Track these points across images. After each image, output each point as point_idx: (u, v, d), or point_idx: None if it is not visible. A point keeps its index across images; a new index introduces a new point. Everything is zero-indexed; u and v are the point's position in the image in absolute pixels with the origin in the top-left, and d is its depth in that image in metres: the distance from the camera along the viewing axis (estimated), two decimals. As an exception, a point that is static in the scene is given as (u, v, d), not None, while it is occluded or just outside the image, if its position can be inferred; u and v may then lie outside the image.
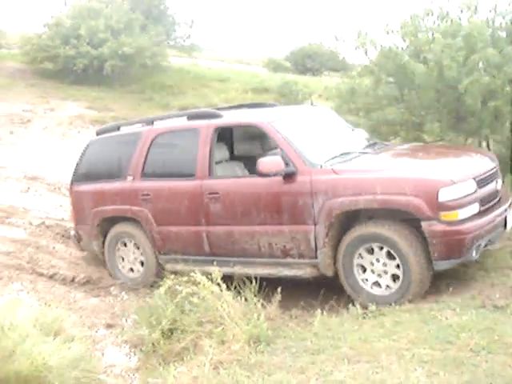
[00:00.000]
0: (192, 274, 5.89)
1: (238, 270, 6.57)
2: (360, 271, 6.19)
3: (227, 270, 6.54)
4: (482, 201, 6.02)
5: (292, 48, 36.22)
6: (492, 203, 6.22)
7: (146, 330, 5.81)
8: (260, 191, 6.63)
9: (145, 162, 7.55)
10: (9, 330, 4.60)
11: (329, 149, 6.81)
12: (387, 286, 6.08)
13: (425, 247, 5.82)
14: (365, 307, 5.81)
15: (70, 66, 24.33)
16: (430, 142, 9.40)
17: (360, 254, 6.12)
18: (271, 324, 5.75)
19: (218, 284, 5.86)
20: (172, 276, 6.20)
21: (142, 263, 7.73)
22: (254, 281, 6.06)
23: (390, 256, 5.99)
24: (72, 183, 8.39)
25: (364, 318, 5.67)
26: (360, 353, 4.94)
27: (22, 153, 13.58)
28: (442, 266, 5.83)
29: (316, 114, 7.94)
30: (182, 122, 7.55)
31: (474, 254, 5.81)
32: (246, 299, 5.96)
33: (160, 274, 7.13)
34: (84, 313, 6.73)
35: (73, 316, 6.40)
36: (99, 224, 7.96)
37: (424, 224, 5.73)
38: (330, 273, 6.35)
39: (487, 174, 6.26)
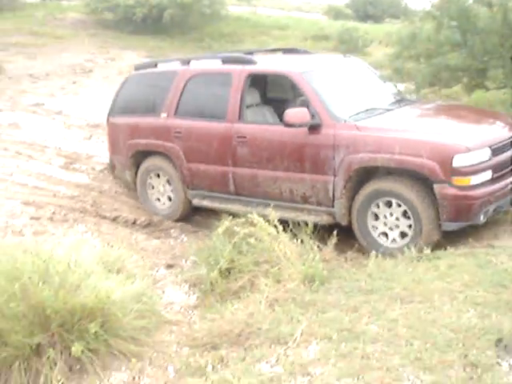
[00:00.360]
0: (249, 215, 6.05)
1: (259, 210, 6.50)
2: (372, 220, 6.47)
3: (251, 209, 6.61)
4: (496, 168, 6.14)
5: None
6: (505, 171, 6.33)
7: (205, 270, 5.99)
8: (285, 140, 6.87)
9: (179, 101, 7.83)
10: (75, 266, 4.80)
11: (355, 103, 7.01)
12: (393, 240, 6.38)
13: (435, 207, 6.03)
14: (420, 251, 5.84)
15: (130, 15, 24.48)
16: (491, 89, 9.18)
17: (377, 204, 6.38)
18: (326, 265, 5.86)
19: (275, 226, 5.99)
20: (230, 217, 6.37)
21: (170, 198, 8.14)
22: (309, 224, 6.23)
23: (404, 214, 6.23)
24: (109, 115, 8.80)
25: (418, 261, 5.71)
26: (413, 293, 5.00)
27: (85, 101, 13.89)
28: (449, 227, 6.06)
29: (348, 66, 8.05)
30: (217, 65, 7.73)
31: (482, 219, 6.01)
32: (302, 241, 6.09)
33: (186, 207, 7.90)
34: (145, 253, 6.93)
35: (134, 256, 6.55)
36: (133, 155, 8.38)
37: (436, 186, 5.95)
38: (344, 222, 6.67)
39: (504, 142, 6.33)
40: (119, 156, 8.67)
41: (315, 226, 6.31)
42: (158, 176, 8.23)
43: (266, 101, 7.99)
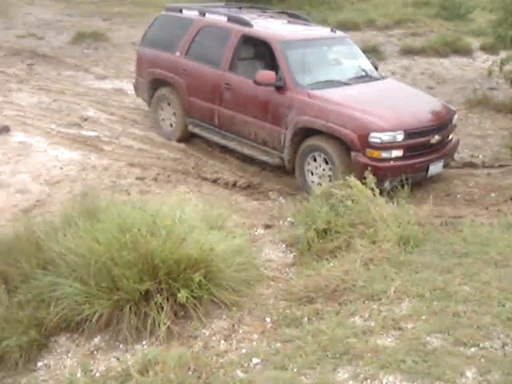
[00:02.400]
0: (347, 178, 6.22)
1: (232, 144, 8.75)
2: (308, 169, 7.80)
3: (226, 142, 8.86)
4: (408, 149, 7.37)
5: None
6: (419, 152, 7.51)
7: (302, 230, 6.15)
8: (257, 93, 8.25)
9: (190, 44, 9.34)
10: (179, 221, 5.10)
11: (319, 74, 8.35)
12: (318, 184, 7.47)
13: (350, 169, 7.12)
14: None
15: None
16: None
17: (312, 156, 7.71)
18: (421, 228, 5.93)
19: (372, 189, 6.10)
20: (327, 180, 6.53)
21: (173, 123, 9.74)
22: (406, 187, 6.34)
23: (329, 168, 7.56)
24: (139, 45, 10.56)
25: (515, 227, 5.71)
26: (507, 258, 5.04)
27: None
28: None
29: (330, 40, 9.20)
30: (223, 21, 9.12)
31: (387, 186, 7.08)
32: (397, 204, 6.17)
33: (184, 131, 9.50)
34: (244, 214, 7.17)
35: (234, 216, 6.82)
36: (150, 81, 10.01)
37: (353, 153, 7.26)
38: (289, 166, 8.06)
39: (423, 129, 7.52)
40: (141, 79, 10.28)
41: (411, 189, 6.43)
42: (167, 103, 9.79)
43: (256, 57, 9.27)
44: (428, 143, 7.58)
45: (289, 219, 6.94)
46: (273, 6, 23.86)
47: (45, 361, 4.53)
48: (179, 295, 4.51)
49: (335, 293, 4.85)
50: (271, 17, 10.01)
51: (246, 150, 8.57)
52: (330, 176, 7.48)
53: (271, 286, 5.36)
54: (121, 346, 4.52)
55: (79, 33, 18.10)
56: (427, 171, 7.64)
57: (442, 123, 7.85)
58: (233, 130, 8.74)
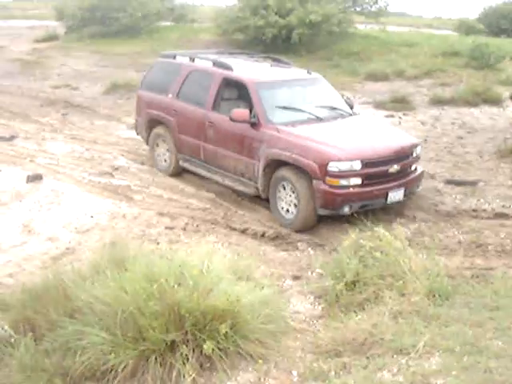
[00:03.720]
0: (376, 229, 6.20)
1: (216, 177, 9.56)
2: (279, 198, 8.50)
3: (210, 175, 9.66)
4: (367, 177, 7.99)
5: (485, 8, 34.14)
6: (378, 180, 8.11)
7: (331, 282, 6.10)
8: (234, 129, 9.03)
9: (180, 87, 10.22)
10: (207, 272, 5.10)
11: (291, 112, 8.97)
12: (287, 212, 8.38)
13: (313, 196, 7.97)
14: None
15: (260, 35, 25.14)
16: None
17: (282, 186, 8.40)
18: (451, 280, 5.86)
19: (401, 240, 6.05)
20: (356, 231, 6.50)
21: (166, 159, 10.60)
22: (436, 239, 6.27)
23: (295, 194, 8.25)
24: (139, 89, 11.46)
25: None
26: (541, 312, 4.91)
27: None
28: (321, 212, 8.07)
29: (305, 81, 9.98)
30: (209, 66, 9.98)
31: (347, 210, 7.97)
32: (427, 256, 6.10)
33: (176, 166, 10.34)
34: (272, 264, 7.14)
35: (262, 267, 6.81)
36: (147, 121, 10.91)
37: (314, 182, 7.93)
38: (264, 195, 8.76)
39: (379, 159, 8.12)
40: (140, 119, 11.21)
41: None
42: (162, 141, 10.65)
43: (236, 97, 9.99)
44: (386, 172, 8.19)
45: (317, 270, 6.88)
46: (302, 57, 24.25)
47: (70, 410, 4.51)
48: (205, 346, 4.49)
49: (363, 346, 4.79)
50: (256, 61, 10.95)
51: (227, 182, 9.35)
52: (295, 204, 8.22)
53: (298, 339, 5.30)
54: (146, 397, 4.48)
55: (112, 83, 18.54)
56: (386, 198, 8.23)
57: (402, 154, 8.45)
58: (216, 164, 9.58)
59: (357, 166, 7.90)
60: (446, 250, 7.29)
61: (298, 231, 8.16)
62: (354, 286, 5.94)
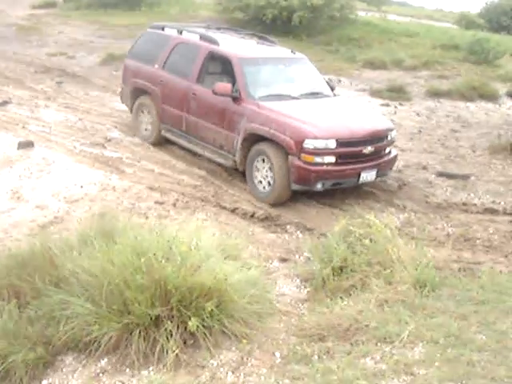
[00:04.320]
0: (366, 216, 6.20)
1: (196, 148, 9.85)
2: (255, 170, 8.74)
3: (191, 146, 9.95)
4: (340, 156, 8.25)
5: (487, 3, 34.05)
6: (352, 160, 8.40)
7: (318, 266, 6.11)
8: (216, 102, 9.29)
9: (167, 58, 10.44)
10: (195, 249, 5.07)
11: (272, 89, 9.33)
12: (263, 187, 8.62)
13: (288, 170, 8.22)
14: None
15: (260, 16, 24.94)
16: None
17: (258, 160, 8.64)
18: (439, 272, 5.85)
19: (391, 229, 6.04)
20: (346, 217, 6.50)
21: (149, 128, 10.82)
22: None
23: (270, 170, 8.48)
24: (126, 57, 11.64)
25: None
26: (527, 308, 4.93)
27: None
28: (295, 187, 8.32)
29: (289, 60, 10.25)
30: (196, 39, 10.21)
31: (319, 187, 8.24)
32: (416, 245, 6.10)
33: (158, 136, 10.57)
34: (260, 246, 7.12)
35: (250, 247, 6.79)
36: (132, 90, 11.16)
37: (290, 157, 8.19)
38: (241, 168, 9.04)
39: (354, 139, 8.38)
40: (126, 87, 11.45)
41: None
42: (146, 110, 10.85)
43: (220, 71, 10.23)
44: (360, 153, 8.45)
45: (305, 254, 6.88)
46: (301, 41, 24.13)
47: (50, 379, 4.51)
48: (190, 323, 4.48)
49: (347, 332, 4.79)
50: (242, 38, 11.19)
51: (207, 153, 9.65)
52: (271, 177, 8.46)
53: (283, 321, 5.30)
54: (127, 370, 4.47)
55: (109, 54, 18.40)
56: (359, 178, 8.50)
57: (376, 137, 8.68)
58: (197, 135, 9.83)
59: (332, 144, 8.15)
60: (434, 242, 7.30)
61: (272, 205, 8.42)
62: (342, 271, 5.94)
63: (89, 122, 11.74)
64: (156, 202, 8.12)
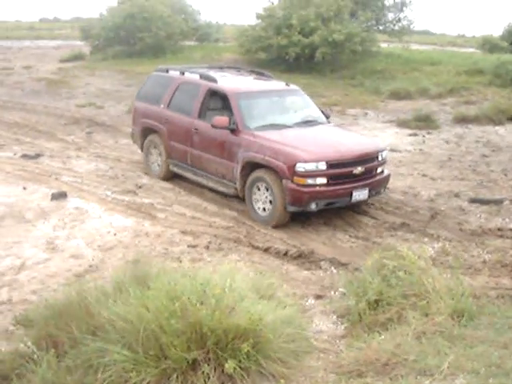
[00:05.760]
0: (399, 248, 6.16)
1: (201, 180, 10.42)
2: (254, 196, 9.26)
3: (196, 178, 10.54)
4: (332, 177, 8.75)
5: (509, 25, 33.95)
6: (343, 180, 8.85)
7: (353, 301, 6.06)
8: (216, 135, 9.94)
9: (171, 98, 11.14)
10: (229, 290, 5.08)
11: (266, 119, 9.89)
12: (263, 210, 9.15)
13: (284, 194, 8.73)
14: None
15: (282, 55, 25.26)
16: None
17: (257, 186, 9.18)
18: (476, 301, 5.78)
19: (425, 259, 5.99)
20: (379, 250, 6.47)
21: (159, 165, 11.47)
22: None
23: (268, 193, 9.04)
24: (135, 99, 12.40)
25: None
26: None
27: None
28: (290, 209, 8.79)
29: (283, 92, 10.85)
30: (196, 79, 10.95)
31: (313, 207, 8.76)
32: (451, 275, 6.04)
33: (167, 171, 11.20)
34: (295, 283, 7.11)
35: (284, 286, 6.78)
36: (142, 130, 11.83)
37: (283, 181, 8.73)
38: (241, 195, 9.55)
39: (344, 161, 8.88)
40: (136, 128, 12.08)
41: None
42: (154, 147, 11.52)
43: (219, 106, 10.76)
44: (351, 173, 8.91)
45: (340, 289, 6.84)
46: (325, 76, 24.29)
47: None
48: (227, 365, 4.46)
49: (386, 367, 4.72)
50: (241, 74, 11.96)
51: (211, 184, 10.24)
52: (270, 201, 8.98)
53: (321, 358, 5.26)
54: (167, 415, 4.47)
55: (137, 102, 18.64)
56: (351, 197, 8.93)
57: (366, 157, 9.16)
58: (201, 167, 10.42)
59: (322, 166, 8.67)
60: (470, 270, 7.22)
61: (274, 227, 8.92)
62: (377, 305, 5.88)
63: (119, 169, 11.93)
64: (189, 246, 8.18)
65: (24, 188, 10.39)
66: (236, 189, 9.62)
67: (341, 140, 9.67)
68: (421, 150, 14.16)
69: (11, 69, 28.01)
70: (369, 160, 9.20)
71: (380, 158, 9.42)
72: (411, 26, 31.64)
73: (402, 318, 5.54)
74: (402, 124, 17.05)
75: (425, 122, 16.95)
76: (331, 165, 8.72)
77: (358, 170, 8.93)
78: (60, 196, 9.90)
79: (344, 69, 25.79)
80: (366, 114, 19.01)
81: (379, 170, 9.46)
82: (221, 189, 10.01)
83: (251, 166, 9.34)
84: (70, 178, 11.16)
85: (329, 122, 10.65)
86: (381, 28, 31.55)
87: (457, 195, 10.44)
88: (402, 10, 31.16)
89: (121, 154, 13.36)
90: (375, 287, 5.95)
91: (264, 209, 9.14)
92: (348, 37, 24.98)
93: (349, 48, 25.58)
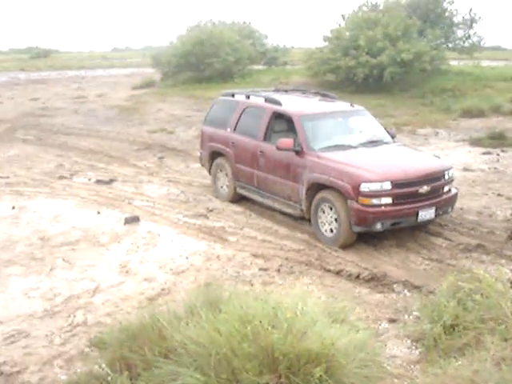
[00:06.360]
0: (475, 270, 6.00)
1: (267, 201, 10.56)
2: (320, 217, 9.30)
3: (263, 200, 10.69)
4: (397, 196, 8.66)
5: None
6: (408, 200, 8.76)
7: (428, 325, 5.92)
8: (281, 157, 10.03)
9: (237, 122, 11.33)
10: (301, 314, 5.05)
11: (331, 140, 9.92)
12: (330, 231, 9.14)
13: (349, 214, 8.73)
14: None
15: (351, 76, 25.23)
16: None
17: (322, 207, 9.22)
18: (559, 325, 5.52)
19: (503, 282, 5.80)
20: (454, 273, 6.30)
21: (226, 187, 11.67)
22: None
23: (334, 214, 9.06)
24: (203, 124, 12.61)
25: None
26: None
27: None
28: (356, 229, 8.78)
29: (347, 112, 10.80)
30: (261, 102, 11.07)
31: (379, 227, 8.68)
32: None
33: (234, 193, 11.41)
34: (368, 307, 7.00)
35: (357, 309, 6.69)
36: (209, 153, 12.10)
37: (349, 201, 8.72)
38: (307, 216, 9.62)
39: (409, 180, 8.77)
40: (204, 152, 12.39)
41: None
42: (222, 171, 11.78)
43: (284, 128, 10.83)
44: (417, 193, 8.81)
45: (414, 313, 6.70)
46: (394, 96, 24.07)
47: None
48: (299, 390, 4.41)
49: (465, 394, 4.58)
50: (306, 97, 12.01)
51: (277, 205, 10.33)
52: (335, 222, 8.99)
53: (395, 384, 5.14)
54: None
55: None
56: (417, 217, 8.83)
57: (431, 177, 9.03)
58: (267, 189, 10.55)
59: (387, 186, 8.61)
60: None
61: (341, 247, 8.91)
62: (453, 329, 5.72)
63: (191, 193, 12.09)
64: (260, 269, 8.18)
65: (98, 212, 10.65)
66: (302, 210, 9.68)
67: (406, 159, 9.59)
68: (495, 168, 13.81)
69: (85, 97, 28.97)
70: (434, 179, 9.07)
71: (446, 177, 9.29)
72: (481, 43, 31.11)
73: (480, 343, 5.37)
74: (475, 142, 16.69)
75: (498, 140, 16.55)
76: (396, 184, 8.65)
77: (424, 189, 8.83)
78: (133, 220, 10.10)
79: (413, 88, 25.50)
80: (437, 133, 18.70)
81: (446, 188, 9.31)
82: (287, 210, 10.10)
83: (316, 187, 9.35)
84: (142, 203, 11.38)
85: (394, 142, 10.59)
86: (450, 45, 31.13)
87: (535, 215, 10.11)
88: (471, 27, 30.69)
89: (192, 178, 13.55)
90: (451, 311, 5.81)
91: (330, 230, 9.13)
92: (417, 56, 24.73)
93: (418, 67, 25.32)
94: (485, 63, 32.45)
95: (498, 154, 15.22)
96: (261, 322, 4.74)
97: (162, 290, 7.52)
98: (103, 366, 5.17)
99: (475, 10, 45.98)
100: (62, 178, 13.49)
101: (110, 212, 10.74)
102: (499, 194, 11.57)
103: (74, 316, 6.82)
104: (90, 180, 13.31)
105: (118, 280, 7.86)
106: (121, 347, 5.27)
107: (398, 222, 8.82)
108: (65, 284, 7.71)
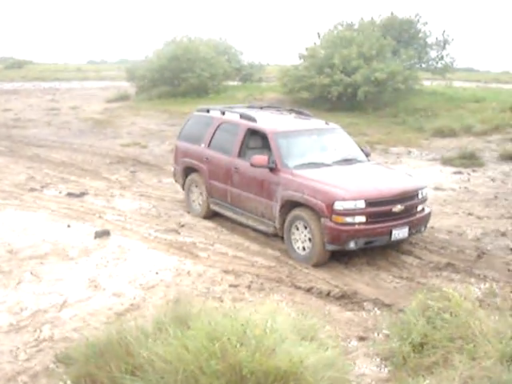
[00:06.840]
0: (445, 289, 6.02)
1: (240, 218, 10.49)
2: (293, 235, 9.27)
3: (236, 216, 10.62)
4: (371, 215, 8.66)
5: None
6: (382, 218, 8.76)
7: (397, 344, 5.92)
8: (255, 174, 10.00)
9: (212, 137, 11.29)
10: (270, 332, 5.01)
11: (305, 157, 9.88)
12: (303, 249, 9.11)
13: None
14: None
15: (325, 94, 25.38)
16: None
17: (296, 225, 9.18)
18: (527, 345, 5.55)
19: (471, 301, 5.83)
20: (424, 291, 6.32)
21: (199, 203, 11.60)
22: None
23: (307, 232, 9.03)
24: (177, 139, 12.56)
25: None
26: None
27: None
28: (329, 247, 8.73)
29: (322, 130, 10.83)
30: (236, 118, 11.03)
31: (352, 246, 8.69)
32: (499, 316, 5.85)
33: (208, 210, 11.29)
34: (338, 325, 6.98)
35: (327, 327, 6.66)
36: (183, 169, 12.05)
37: (322, 219, 8.69)
38: (280, 233, 9.59)
39: (383, 199, 8.78)
40: (178, 167, 12.33)
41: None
42: (195, 186, 11.70)
43: (259, 145, 10.72)
44: (390, 211, 8.81)
45: (384, 331, 6.69)
46: (368, 114, 24.27)
47: None
48: (266, 410, 4.37)
49: (432, 413, 4.57)
50: (281, 113, 12.01)
51: (250, 222, 10.28)
52: (309, 238, 8.93)
53: (364, 403, 5.12)
54: None
55: (180, 141, 18.89)
56: (391, 236, 8.81)
57: (405, 196, 9.03)
58: (241, 206, 10.48)
59: (361, 204, 8.59)
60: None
61: (314, 265, 8.84)
62: (422, 348, 5.74)
63: (162, 208, 12.01)
64: (231, 285, 8.12)
65: (68, 226, 10.51)
66: (275, 227, 9.62)
67: (380, 178, 9.65)
68: (466, 188, 13.95)
69: (59, 109, 28.78)
70: (408, 198, 9.08)
71: (420, 196, 9.31)
72: (454, 64, 31.54)
73: (448, 362, 5.39)
74: (447, 162, 16.87)
75: (470, 160, 16.74)
76: (370, 203, 8.63)
77: (398, 208, 8.84)
78: (103, 234, 9.98)
79: (387, 107, 25.73)
80: (410, 152, 18.87)
81: (419, 207, 9.33)
82: (260, 227, 10.05)
83: (290, 205, 9.31)
84: (113, 217, 11.27)
85: (368, 160, 10.60)
86: (423, 66, 31.52)
87: (503, 234, 10.22)
88: (444, 48, 31.12)
89: (164, 192, 13.48)
90: (420, 329, 5.83)
91: (303, 248, 9.08)
92: (390, 75, 24.99)
93: (391, 86, 25.56)
94: (457, 84, 32.93)
95: (468, 174, 15.38)
96: (229, 339, 4.70)
97: (131, 305, 7.43)
98: (68, 382, 5.10)
99: (448, 31, 46.73)
100: (32, 190, 13.32)
101: (80, 225, 10.60)
102: (469, 214, 11.67)
103: (41, 331, 6.68)
104: (60, 193, 13.16)
105: (87, 295, 7.74)
106: (87, 363, 5.19)
107: (372, 240, 8.82)
108: (32, 298, 7.57)
